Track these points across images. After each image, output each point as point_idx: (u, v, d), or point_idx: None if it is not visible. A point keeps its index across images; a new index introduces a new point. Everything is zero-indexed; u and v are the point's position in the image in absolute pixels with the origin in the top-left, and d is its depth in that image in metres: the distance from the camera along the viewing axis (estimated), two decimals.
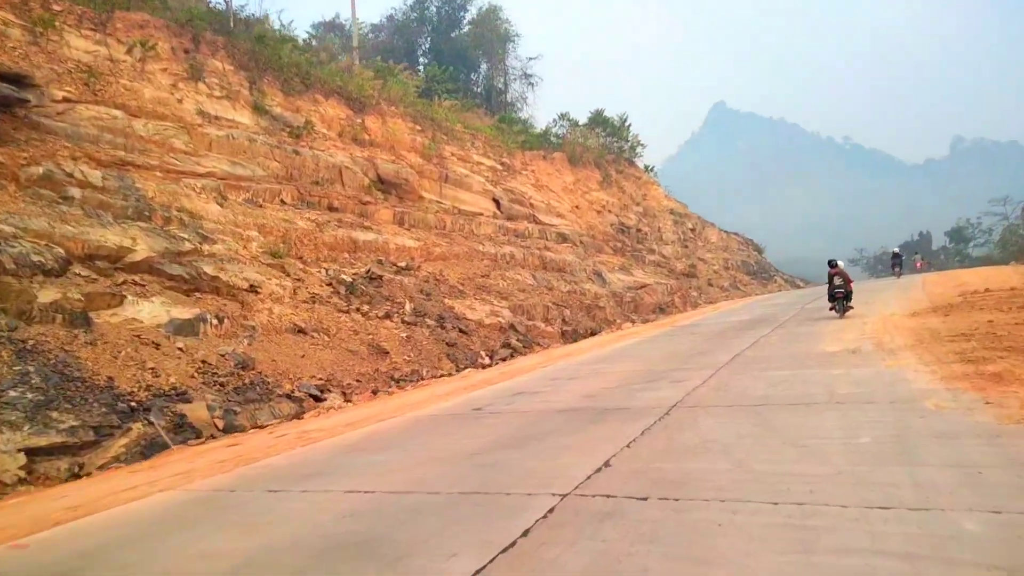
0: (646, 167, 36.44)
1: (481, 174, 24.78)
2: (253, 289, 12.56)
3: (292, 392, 10.28)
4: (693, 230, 35.88)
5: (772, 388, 7.01)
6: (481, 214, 23.53)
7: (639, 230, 31.27)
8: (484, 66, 43.72)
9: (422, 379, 12.08)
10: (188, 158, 14.76)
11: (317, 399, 10.35)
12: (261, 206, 15.82)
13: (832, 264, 15.22)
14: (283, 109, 18.67)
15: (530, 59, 42.28)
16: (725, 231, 46.92)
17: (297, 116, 18.95)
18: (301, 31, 28.43)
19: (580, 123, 32.64)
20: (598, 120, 33.22)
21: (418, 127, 23.31)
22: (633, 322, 21.25)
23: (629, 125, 34.04)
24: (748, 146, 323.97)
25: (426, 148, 22.56)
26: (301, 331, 12.29)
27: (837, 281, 14.71)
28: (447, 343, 14.35)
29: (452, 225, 21.45)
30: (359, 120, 21.20)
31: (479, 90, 42.39)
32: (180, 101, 15.68)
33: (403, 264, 17.54)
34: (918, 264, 34.91)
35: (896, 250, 31.46)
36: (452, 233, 20.99)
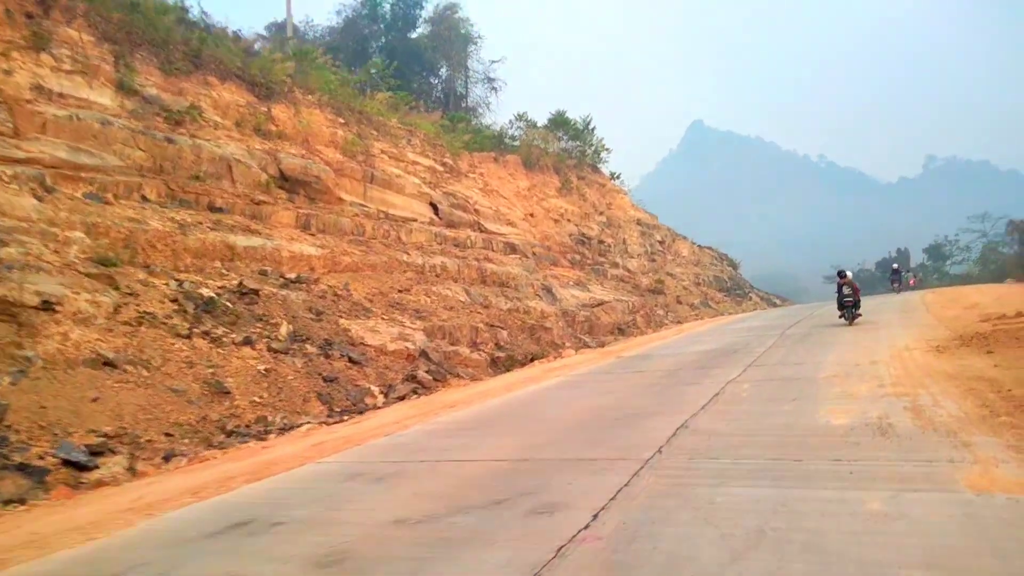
0: (612, 174, 33.72)
1: (417, 175, 21.76)
2: (46, 306, 9.30)
3: (42, 456, 7.05)
4: (662, 243, 33.10)
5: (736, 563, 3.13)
6: (415, 220, 20.47)
7: (601, 241, 28.39)
8: (444, 69, 40.96)
9: (267, 432, 8.87)
10: (3, 140, 11.58)
11: (83, 467, 7.12)
12: (108, 202, 12.63)
13: (841, 274, 15.75)
14: (161, 90, 15.50)
15: (492, 62, 39.57)
16: (698, 244, 44.34)
17: (180, 99, 15.83)
18: (250, 29, 25.40)
19: (539, 125, 29.80)
20: (559, 122, 30.42)
21: (341, 120, 20.27)
22: (577, 349, 18.23)
23: (593, 128, 31.32)
24: (725, 164, 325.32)
25: (349, 144, 19.51)
26: (108, 363, 9.07)
27: (846, 290, 15.13)
28: (325, 377, 11.19)
29: (374, 231, 18.35)
30: (264, 108, 18.10)
31: (438, 94, 39.57)
32: (8, 73, 12.48)
33: (294, 276, 14.37)
34: (912, 281, 32.60)
35: (896, 266, 31.07)
36: (371, 240, 17.88)
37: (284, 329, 12.40)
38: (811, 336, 11.58)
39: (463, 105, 38.66)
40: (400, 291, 16.27)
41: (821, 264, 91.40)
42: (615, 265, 28.42)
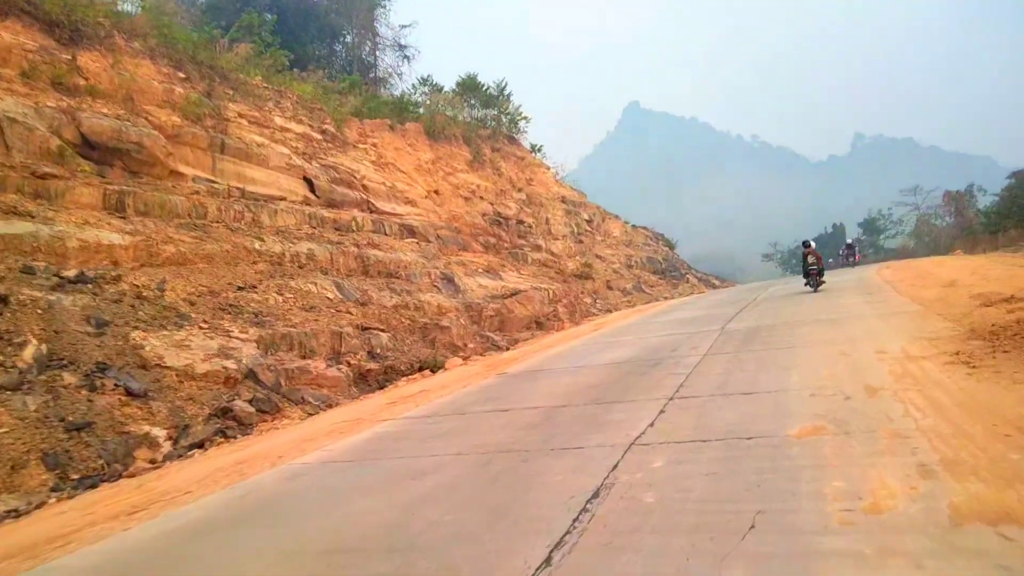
0: (533, 146, 30.39)
1: (287, 145, 17.88)
2: None
3: None
4: (590, 222, 30.04)
5: None
6: (282, 198, 16.66)
7: (520, 221, 25.07)
8: (349, 36, 36.70)
9: None
10: None
11: None
12: None
13: (807, 244, 16.85)
14: None
15: (403, 27, 35.55)
16: (631, 224, 41.64)
17: None
18: None
19: (445, 89, 26.10)
20: (469, 87, 26.81)
21: (182, 75, 16.22)
22: (483, 350, 14.92)
23: (509, 95, 27.84)
24: (662, 144, 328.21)
25: (192, 104, 15.51)
26: None
27: (811, 259, 15.92)
28: (72, 424, 7.46)
29: (220, 212, 14.47)
30: (67, 56, 13.93)
31: (342, 63, 35.32)
32: None
33: (76, 273, 10.47)
34: (856, 256, 30.94)
35: (850, 241, 31.32)
36: (213, 224, 14.00)
37: (30, 351, 8.54)
38: (760, 333, 8.51)
39: (371, 76, 34.59)
40: (242, 288, 12.51)
41: (758, 243, 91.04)
42: (537, 248, 25.18)
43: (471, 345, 15.40)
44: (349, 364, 11.81)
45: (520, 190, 26.30)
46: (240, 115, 17.18)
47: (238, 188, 15.84)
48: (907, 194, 69.07)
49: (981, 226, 35.56)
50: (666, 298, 26.54)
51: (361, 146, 21.11)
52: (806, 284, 15.87)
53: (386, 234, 18.67)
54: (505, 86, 27.62)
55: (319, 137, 19.12)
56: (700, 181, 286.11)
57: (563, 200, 28.80)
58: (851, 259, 29.18)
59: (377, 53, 36.89)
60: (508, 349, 14.93)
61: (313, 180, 17.81)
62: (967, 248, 28.04)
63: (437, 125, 23.63)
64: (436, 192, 22.37)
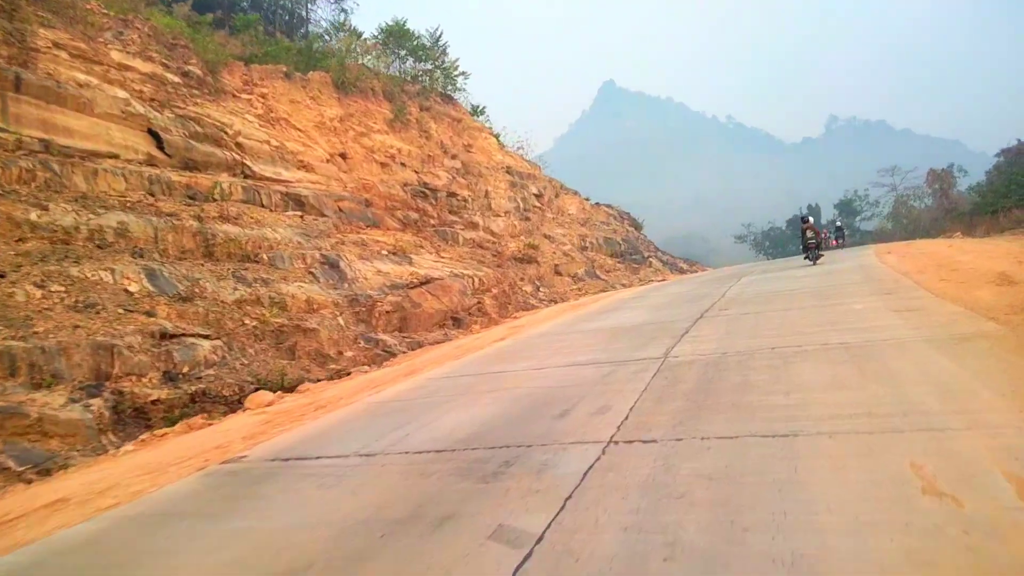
0: (474, 108, 26.27)
1: (128, 87, 13.69)
2: None
3: None
4: (540, 196, 26.12)
5: None
6: (112, 155, 12.56)
7: (453, 194, 21.12)
8: None
9: None
10: None
11: None
12: None
13: (804, 220, 17.51)
14: None
15: None
16: (593, 201, 37.87)
17: None
18: None
19: (365, 36, 21.85)
20: (396, 33, 22.58)
21: None
22: (372, 360, 11.11)
23: (445, 46, 23.65)
24: (637, 124, 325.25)
25: None
26: None
27: (809, 234, 16.73)
28: None
29: None
30: None
31: (266, 13, 30.68)
32: None
33: None
34: (834, 241, 27.79)
35: (839, 224, 30.11)
36: None
37: None
38: (727, 374, 4.63)
39: (302, 31, 30.07)
40: None
41: (733, 224, 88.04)
42: (472, 226, 21.27)
43: (349, 353, 11.54)
44: (118, 395, 7.86)
45: (454, 157, 22.28)
46: (56, 44, 12.93)
47: (42, 139, 11.68)
48: (885, 174, 66.22)
49: (974, 206, 32.60)
50: (624, 285, 22.87)
51: (245, 96, 16.94)
52: (805, 258, 17.08)
53: (262, 205, 14.64)
54: (440, 35, 23.47)
55: (177, 80, 14.92)
56: (675, 162, 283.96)
57: (508, 171, 24.85)
58: (841, 242, 27.18)
59: (309, 6, 32.31)
60: (405, 355, 11.10)
61: (161, 134, 13.66)
62: (965, 230, 24.81)
63: (349, 76, 19.46)
64: (343, 156, 18.31)
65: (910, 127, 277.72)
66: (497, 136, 30.45)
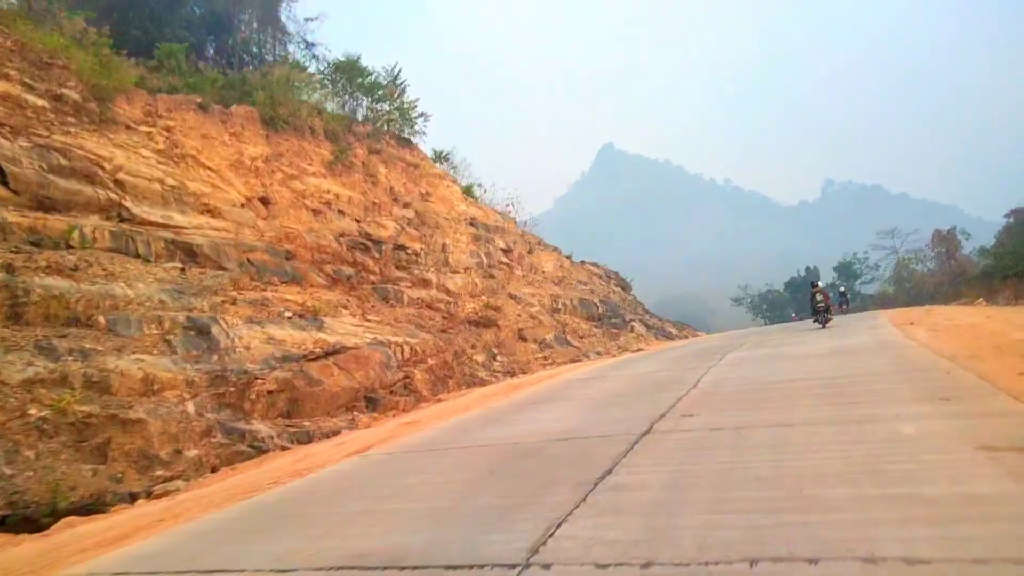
0: (437, 153, 23.85)
1: None
2: None
3: None
4: (508, 251, 23.35)
5: None
6: None
7: (401, 247, 18.40)
8: (247, 30, 30.24)
9: None
10: None
11: None
12: None
13: (814, 284, 18.16)
14: None
15: (307, 20, 29.03)
16: (576, 259, 35.22)
17: None
18: None
19: (309, 69, 19.55)
20: (347, 69, 20.30)
21: None
22: (218, 459, 8.09)
23: (403, 85, 21.39)
24: (635, 186, 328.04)
25: None
26: None
27: (819, 297, 17.04)
28: None
29: None
30: None
31: (235, 60, 28.74)
32: None
33: None
34: (835, 307, 25.28)
35: (843, 289, 28.45)
36: None
37: None
38: None
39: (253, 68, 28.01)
40: None
41: (730, 286, 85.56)
42: (423, 283, 18.46)
43: (193, 451, 8.50)
44: None
45: (407, 205, 19.63)
46: None
47: None
48: (884, 237, 64.04)
49: (987, 269, 30.00)
50: (598, 353, 19.89)
51: (144, 128, 14.38)
52: (815, 321, 17.25)
53: (137, 255, 11.84)
54: (398, 73, 21.21)
55: (42, 104, 12.34)
56: (673, 223, 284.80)
57: (472, 222, 22.19)
58: (844, 307, 25.53)
59: (275, 46, 30.36)
60: (289, 450, 8.07)
61: (6, 165, 10.95)
62: (986, 296, 22.03)
63: (281, 112, 17.01)
64: (263, 200, 15.64)
65: (907, 191, 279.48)
66: (469, 188, 28.02)
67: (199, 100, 15.71)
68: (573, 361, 18.71)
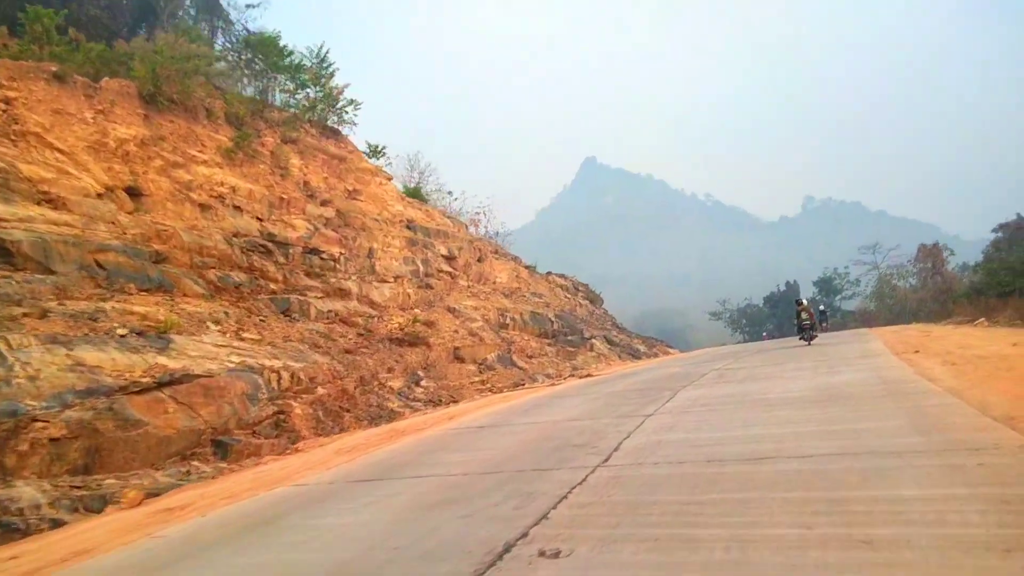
0: (371, 148, 21.08)
1: None
2: None
3: None
4: (452, 259, 20.59)
5: None
6: None
7: (315, 250, 15.66)
8: (183, 16, 27.44)
9: None
10: None
11: None
12: None
13: (799, 302, 18.52)
14: None
15: (248, 6, 26.29)
16: (546, 271, 32.66)
17: None
18: None
19: (208, 38, 16.72)
20: (259, 44, 17.56)
21: None
22: None
23: (331, 68, 18.68)
24: (617, 200, 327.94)
25: None
26: None
27: (804, 316, 17.43)
28: None
29: None
30: None
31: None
32: None
33: None
34: (827, 324, 22.94)
35: (822, 307, 26.77)
36: None
37: None
38: None
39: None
40: None
41: (710, 301, 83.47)
42: (340, 294, 15.71)
43: None
44: None
45: (326, 203, 16.88)
46: None
47: None
48: (865, 252, 62.29)
49: (976, 286, 27.89)
50: (548, 376, 17.22)
51: None
52: (800, 338, 17.61)
53: None
54: (325, 54, 18.52)
55: None
56: (654, 237, 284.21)
57: (409, 225, 19.46)
58: (824, 324, 23.38)
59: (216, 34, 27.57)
60: (66, 526, 5.30)
61: None
62: (983, 315, 19.71)
63: (166, 89, 14.23)
64: (131, 190, 12.83)
65: (885, 208, 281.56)
66: (417, 189, 25.32)
67: (53, 68, 12.90)
68: (517, 386, 16.03)
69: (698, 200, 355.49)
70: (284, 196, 15.84)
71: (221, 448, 9.21)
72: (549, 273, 33.75)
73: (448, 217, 23.62)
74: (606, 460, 4.68)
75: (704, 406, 6.91)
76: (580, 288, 35.68)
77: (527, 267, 28.19)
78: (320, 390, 11.40)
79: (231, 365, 10.20)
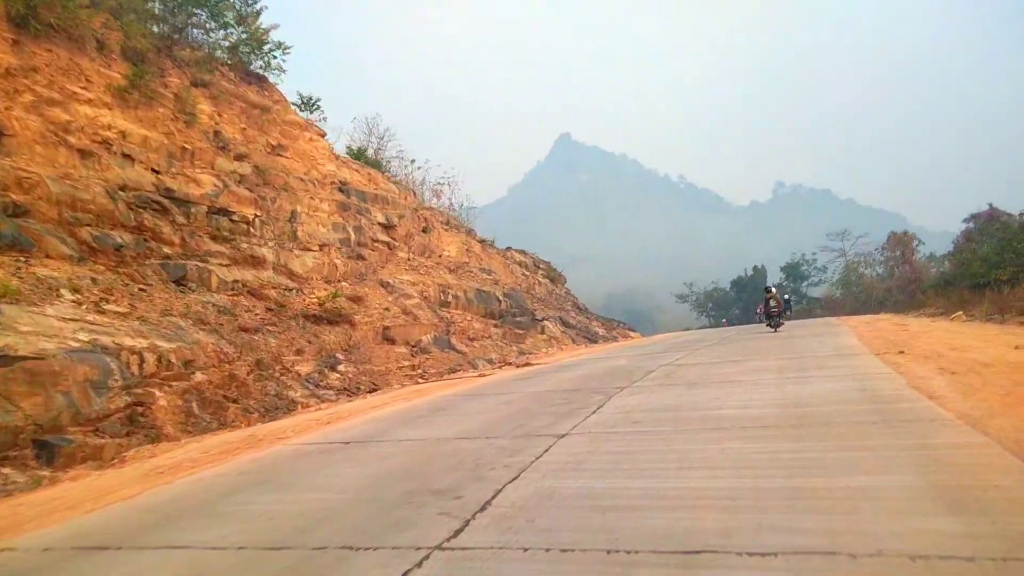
0: (303, 99, 18.97)
1: None
2: None
3: None
4: (390, 228, 18.61)
5: None
6: None
7: (224, 210, 13.64)
8: None
9: None
10: None
11: None
12: None
13: (768, 290, 19.02)
14: None
15: None
16: (505, 247, 30.89)
17: None
18: None
19: None
20: None
21: None
22: None
23: (257, 4, 16.45)
24: (591, 178, 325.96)
25: None
26: None
27: (772, 303, 17.99)
28: None
29: None
30: None
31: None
32: None
33: None
34: (789, 312, 21.55)
35: (787, 296, 25.40)
36: None
37: None
38: None
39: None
40: None
41: (677, 283, 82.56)
42: (253, 262, 13.75)
43: None
44: None
45: (242, 157, 14.79)
46: None
47: None
48: (834, 238, 61.55)
49: (946, 277, 26.92)
50: (490, 361, 15.55)
51: None
52: (767, 324, 18.24)
53: None
54: None
55: None
56: (626, 216, 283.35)
57: (342, 188, 17.48)
58: (788, 312, 21.19)
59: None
60: None
61: None
62: (959, 307, 18.50)
63: (43, 13, 11.98)
64: None
65: (854, 197, 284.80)
66: (362, 151, 23.21)
67: None
68: (452, 372, 14.34)
69: (671, 181, 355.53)
70: (188, 146, 13.73)
71: (47, 450, 7.35)
72: (508, 249, 31.99)
73: (394, 183, 21.60)
74: (453, 537, 2.97)
75: (635, 424, 5.24)
76: (541, 266, 34.00)
77: (481, 241, 26.35)
78: (198, 376, 9.53)
79: (75, 344, 8.27)
